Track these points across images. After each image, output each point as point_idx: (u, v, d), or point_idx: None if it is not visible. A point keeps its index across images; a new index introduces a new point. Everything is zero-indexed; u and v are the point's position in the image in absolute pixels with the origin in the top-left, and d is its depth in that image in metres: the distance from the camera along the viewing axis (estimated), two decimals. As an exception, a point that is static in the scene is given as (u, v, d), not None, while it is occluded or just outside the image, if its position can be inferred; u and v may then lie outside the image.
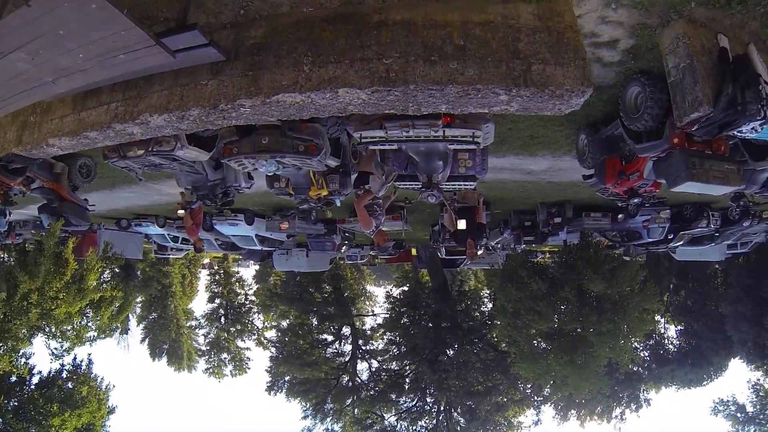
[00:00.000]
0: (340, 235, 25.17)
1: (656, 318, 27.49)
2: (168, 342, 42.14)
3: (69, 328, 17.38)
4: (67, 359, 18.76)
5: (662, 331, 33.40)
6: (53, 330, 17.22)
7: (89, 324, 18.34)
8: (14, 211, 18.46)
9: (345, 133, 9.49)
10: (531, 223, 21.78)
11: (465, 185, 10.05)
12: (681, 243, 22.37)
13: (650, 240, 21.17)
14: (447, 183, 9.72)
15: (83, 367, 19.18)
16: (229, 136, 9.14)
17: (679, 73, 7.34)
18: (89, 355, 19.60)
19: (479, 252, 20.90)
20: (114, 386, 20.12)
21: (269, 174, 9.65)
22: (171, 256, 32.72)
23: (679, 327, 32.54)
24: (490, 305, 36.82)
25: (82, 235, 24.19)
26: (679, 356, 30.78)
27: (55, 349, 17.88)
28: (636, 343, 23.74)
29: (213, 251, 28.91)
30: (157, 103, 7.23)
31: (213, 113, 6.92)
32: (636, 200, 12.17)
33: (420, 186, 9.33)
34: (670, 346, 32.44)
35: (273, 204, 21.48)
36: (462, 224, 10.64)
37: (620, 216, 20.32)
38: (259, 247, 24.88)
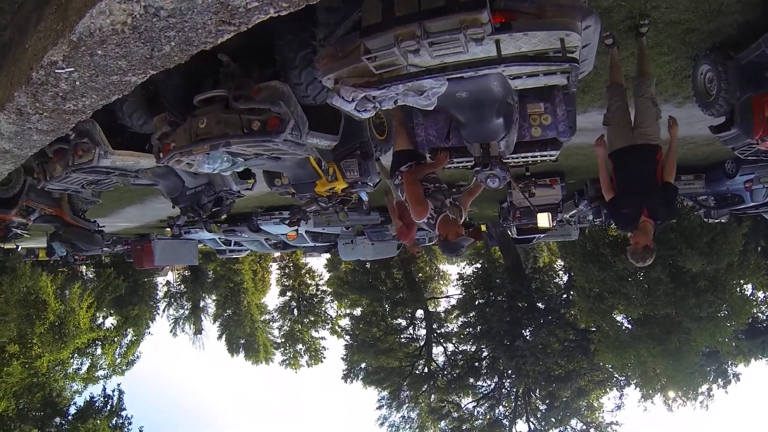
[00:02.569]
0: (398, 223, 20.98)
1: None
2: (244, 337, 39.49)
3: (62, 373, 14.29)
4: (97, 390, 16.15)
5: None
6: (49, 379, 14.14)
7: (99, 363, 15.46)
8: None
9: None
10: (611, 192, 16.90)
11: (542, 156, 5.57)
12: (786, 204, 17.37)
13: (753, 204, 16.09)
14: (514, 155, 5.36)
15: (114, 400, 16.21)
16: (161, 126, 5.44)
17: None
18: (119, 385, 16.87)
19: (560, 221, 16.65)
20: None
21: (223, 172, 5.47)
22: (236, 256, 29.43)
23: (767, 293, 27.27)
24: (565, 278, 32.32)
25: (140, 246, 22.27)
26: None
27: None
28: (738, 327, 18.73)
29: (265, 251, 25.63)
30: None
31: (40, 94, 3.58)
32: (797, 161, 7.38)
33: (473, 163, 5.08)
34: (760, 315, 27.19)
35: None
36: (544, 221, 6.14)
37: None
38: (311, 244, 21.08)
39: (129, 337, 21.02)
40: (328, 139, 5.45)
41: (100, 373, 16.33)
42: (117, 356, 17.72)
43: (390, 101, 3.64)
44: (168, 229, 9.05)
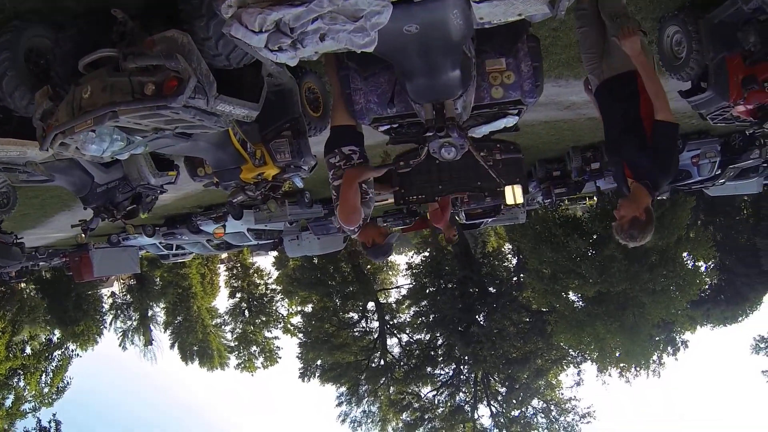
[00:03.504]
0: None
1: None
2: (197, 343, 37.67)
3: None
4: (31, 423, 14.81)
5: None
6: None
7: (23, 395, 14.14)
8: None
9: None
10: (561, 172, 16.42)
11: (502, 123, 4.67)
12: (727, 179, 17.22)
13: (699, 178, 16.02)
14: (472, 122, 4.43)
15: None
16: (42, 101, 4.30)
17: None
18: (54, 415, 15.62)
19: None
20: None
21: (118, 155, 4.34)
22: (180, 260, 27.80)
23: (710, 264, 27.61)
24: (515, 261, 31.92)
25: (78, 258, 21.11)
26: (713, 294, 26.26)
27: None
28: (690, 298, 18.71)
29: (208, 253, 24.30)
30: None
31: None
32: (770, 124, 6.65)
33: (424, 128, 3.99)
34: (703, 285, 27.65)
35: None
36: (511, 196, 5.10)
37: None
38: (255, 242, 19.88)
39: (55, 363, 19.59)
40: (245, 107, 4.30)
41: (27, 406, 14.92)
42: (43, 385, 16.34)
43: (314, 36, 2.60)
44: (82, 235, 7.69)
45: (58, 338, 28.39)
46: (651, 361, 24.48)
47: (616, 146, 3.88)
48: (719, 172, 16.06)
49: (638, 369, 23.96)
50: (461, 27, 3.01)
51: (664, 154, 3.61)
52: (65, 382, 24.65)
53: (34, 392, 15.70)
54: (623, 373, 24.69)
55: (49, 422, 16.01)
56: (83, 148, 3.88)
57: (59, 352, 24.84)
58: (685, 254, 19.50)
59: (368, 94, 4.30)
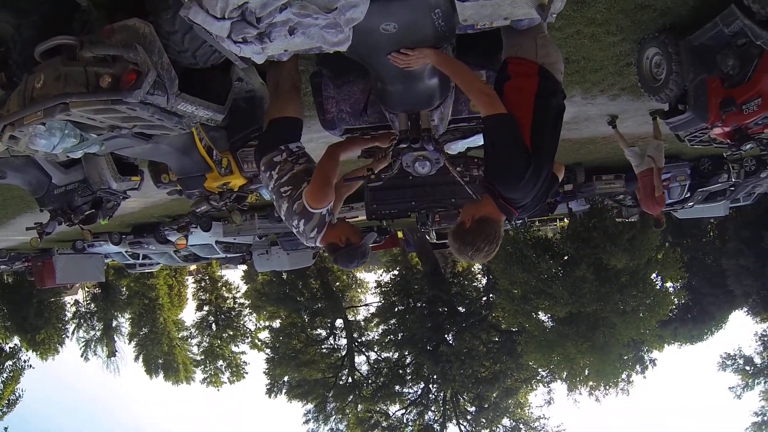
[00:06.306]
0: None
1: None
2: (162, 356, 36.63)
3: None
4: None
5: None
6: None
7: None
8: None
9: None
10: (533, 193, 16.48)
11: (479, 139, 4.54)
12: (696, 202, 17.58)
13: (669, 201, 16.32)
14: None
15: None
16: None
17: None
18: (6, 430, 15.18)
19: None
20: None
21: (71, 153, 4.04)
22: (147, 270, 27.15)
23: (678, 284, 28.08)
24: (485, 281, 31.55)
25: (40, 263, 20.57)
26: (681, 313, 26.74)
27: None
28: (660, 318, 19.02)
29: (175, 264, 23.80)
30: None
31: None
32: (748, 145, 6.61)
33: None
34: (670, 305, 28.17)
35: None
36: None
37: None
38: (223, 255, 19.48)
39: (5, 374, 18.73)
40: (209, 109, 3.97)
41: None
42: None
43: (283, 28, 2.37)
44: (35, 238, 7.27)
45: (10, 347, 27.14)
46: (620, 380, 24.69)
47: None
48: (689, 195, 16.52)
49: (607, 387, 24.06)
50: (442, 29, 2.82)
51: (489, 153, 3.05)
52: (17, 394, 23.53)
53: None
54: (593, 392, 24.81)
55: (0, 433, 15.45)
56: (32, 142, 3.58)
57: (11, 363, 23.81)
58: (654, 275, 19.77)
59: (341, 103, 4.10)
